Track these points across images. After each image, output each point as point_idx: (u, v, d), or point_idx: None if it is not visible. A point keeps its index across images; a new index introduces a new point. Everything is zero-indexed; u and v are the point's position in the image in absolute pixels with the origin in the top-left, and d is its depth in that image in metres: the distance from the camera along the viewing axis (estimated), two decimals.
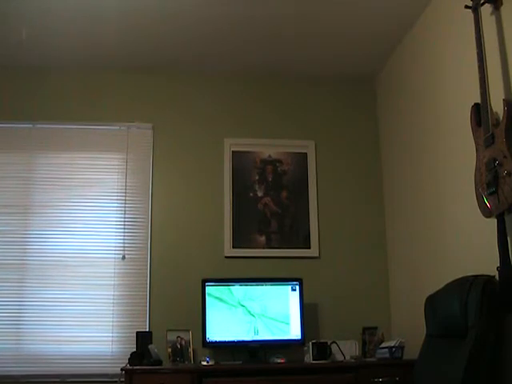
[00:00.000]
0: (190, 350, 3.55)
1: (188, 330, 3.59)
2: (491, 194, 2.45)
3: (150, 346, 3.36)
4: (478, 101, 2.61)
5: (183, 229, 3.97)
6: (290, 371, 3.29)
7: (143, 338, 3.46)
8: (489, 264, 2.49)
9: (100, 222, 3.90)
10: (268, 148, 4.17)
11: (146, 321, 3.76)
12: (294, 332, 3.63)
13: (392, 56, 4.03)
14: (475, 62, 2.63)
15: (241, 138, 4.17)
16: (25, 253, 3.80)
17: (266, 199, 4.08)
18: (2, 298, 3.70)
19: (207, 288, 3.61)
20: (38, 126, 4.02)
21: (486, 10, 2.69)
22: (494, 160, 2.43)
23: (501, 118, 2.46)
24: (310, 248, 4.02)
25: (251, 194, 4.07)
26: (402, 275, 3.81)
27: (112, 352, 3.68)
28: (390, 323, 3.93)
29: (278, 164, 4.15)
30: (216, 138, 4.14)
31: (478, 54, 2.62)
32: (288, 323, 3.64)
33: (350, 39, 3.82)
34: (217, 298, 3.62)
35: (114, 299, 3.77)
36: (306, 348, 3.56)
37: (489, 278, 2.45)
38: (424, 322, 2.88)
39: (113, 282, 3.80)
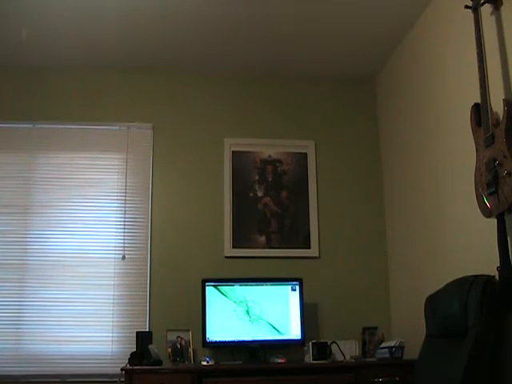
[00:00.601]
0: (190, 350, 3.55)
1: (188, 330, 3.59)
2: (491, 193, 2.45)
3: (149, 346, 3.36)
4: (478, 101, 2.61)
5: (183, 229, 3.97)
6: (289, 371, 3.29)
7: (143, 338, 3.46)
8: (489, 264, 2.49)
9: (100, 222, 3.90)
10: (268, 148, 4.17)
11: (146, 321, 3.76)
12: (294, 332, 3.63)
13: (392, 56, 4.03)
14: (475, 62, 2.63)
15: (241, 138, 4.17)
16: (25, 253, 3.80)
17: (265, 199, 4.08)
18: (2, 298, 3.70)
19: (207, 288, 3.61)
20: (38, 126, 4.02)
21: (486, 9, 2.69)
22: (494, 160, 2.43)
23: (501, 118, 2.46)
24: (310, 248, 4.02)
25: (251, 194, 4.07)
26: (402, 275, 3.81)
27: (112, 352, 3.68)
28: (390, 323, 3.93)
29: (277, 164, 4.15)
30: (216, 138, 4.14)
31: (477, 54, 2.62)
32: (288, 323, 3.64)
33: (350, 39, 3.82)
34: (217, 298, 3.61)
35: (113, 299, 3.77)
36: (305, 348, 3.56)
37: (489, 278, 2.45)
38: (424, 322, 2.88)
39: (113, 282, 3.80)
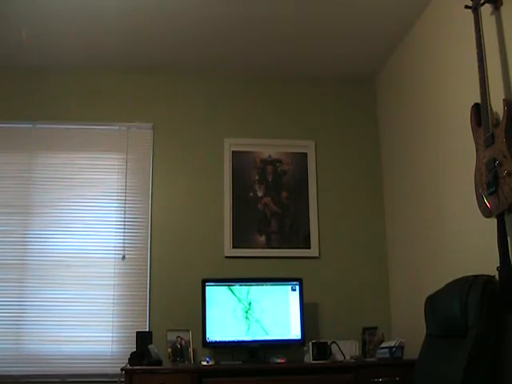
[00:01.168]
0: (190, 350, 3.55)
1: (188, 330, 3.59)
2: (491, 193, 2.45)
3: (150, 346, 3.36)
4: (478, 101, 2.61)
5: (183, 229, 3.97)
6: (290, 371, 3.29)
7: (143, 338, 3.46)
8: (489, 264, 2.49)
9: (100, 222, 3.90)
10: (268, 148, 4.17)
11: (146, 321, 3.76)
12: (294, 332, 3.63)
13: (392, 56, 4.03)
14: (475, 62, 2.63)
15: (241, 138, 4.17)
16: (25, 253, 3.80)
17: (265, 199, 4.08)
18: (2, 298, 3.71)
19: (207, 288, 3.61)
20: (38, 126, 4.02)
21: (486, 10, 2.69)
22: (494, 160, 2.43)
23: (501, 118, 2.46)
24: (310, 248, 4.02)
25: (251, 194, 4.07)
26: (402, 275, 3.81)
27: (112, 352, 3.68)
28: (390, 323, 3.93)
29: (278, 164, 4.15)
30: (216, 138, 4.14)
31: (477, 54, 2.62)
32: (288, 323, 3.64)
33: (350, 39, 3.82)
34: (217, 297, 3.61)
35: (113, 299, 3.77)
36: (305, 348, 3.56)
37: (489, 278, 2.45)
38: (424, 322, 2.88)
39: (113, 282, 3.80)
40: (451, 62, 3.15)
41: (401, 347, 3.35)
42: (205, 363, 3.34)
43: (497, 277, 2.44)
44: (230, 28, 3.67)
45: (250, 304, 3.63)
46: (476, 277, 2.51)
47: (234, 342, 3.58)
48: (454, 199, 3.06)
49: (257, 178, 4.11)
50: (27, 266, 3.78)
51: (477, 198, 2.60)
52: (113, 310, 3.75)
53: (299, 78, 4.31)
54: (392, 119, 4.06)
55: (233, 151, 4.13)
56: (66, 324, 3.69)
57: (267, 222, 4.04)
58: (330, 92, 4.35)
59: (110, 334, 3.71)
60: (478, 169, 2.60)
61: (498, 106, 2.52)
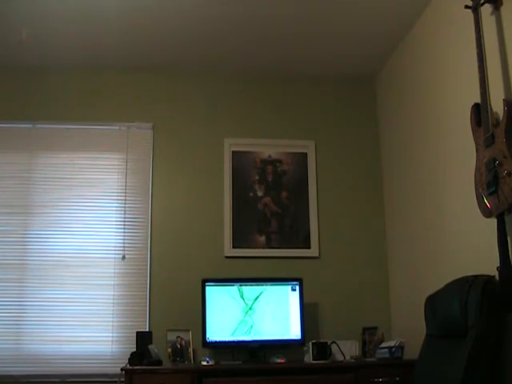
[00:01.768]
0: (190, 350, 3.55)
1: (188, 330, 3.59)
2: (491, 193, 2.45)
3: (150, 346, 3.36)
4: (478, 101, 2.61)
5: (183, 229, 3.97)
6: (290, 371, 3.29)
7: (143, 338, 3.46)
8: (489, 264, 2.49)
9: (100, 222, 3.90)
10: (268, 148, 4.17)
11: (146, 321, 3.76)
12: (294, 332, 3.63)
13: (392, 56, 4.03)
14: (475, 62, 2.63)
15: (241, 138, 4.17)
16: (25, 253, 3.80)
17: (265, 199, 4.08)
18: (2, 298, 3.71)
19: (207, 288, 3.61)
20: (38, 126, 4.02)
21: (486, 10, 2.69)
22: (494, 160, 2.43)
23: (501, 118, 2.46)
24: (310, 248, 4.02)
25: (251, 194, 4.07)
26: (402, 275, 3.81)
27: (112, 352, 3.68)
28: (390, 323, 3.92)
29: (278, 164, 4.15)
30: (216, 138, 4.14)
31: (477, 54, 2.62)
32: (288, 323, 3.64)
33: (350, 39, 3.82)
34: (217, 298, 3.61)
35: (113, 299, 3.77)
36: (305, 348, 3.56)
37: (489, 278, 2.45)
38: (424, 322, 2.88)
39: (113, 282, 3.80)
40: (451, 62, 3.15)
41: (401, 347, 3.35)
42: (205, 363, 3.34)
43: (497, 277, 2.44)
44: (230, 28, 3.67)
45: (250, 304, 3.63)
46: (476, 277, 2.51)
47: (233, 341, 3.58)
48: (454, 199, 3.06)
49: (257, 178, 4.11)
50: (27, 266, 3.78)
51: (477, 198, 2.60)
52: (113, 310, 3.75)
53: (299, 77, 4.31)
54: (392, 119, 4.06)
55: (233, 151, 4.13)
56: (65, 324, 3.69)
57: (267, 222, 4.04)
58: (329, 92, 4.35)
59: (110, 334, 3.71)
60: (477, 169, 2.60)
61: (498, 106, 2.52)
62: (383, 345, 3.52)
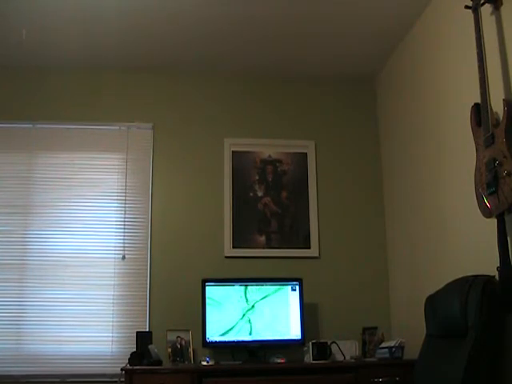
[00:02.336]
0: (190, 350, 3.55)
1: (188, 330, 3.59)
2: (491, 193, 2.45)
3: (150, 346, 3.36)
4: (478, 101, 2.61)
5: (183, 229, 3.97)
6: (290, 371, 3.29)
7: (143, 338, 3.46)
8: (489, 264, 2.49)
9: (100, 222, 3.90)
10: (268, 148, 4.17)
11: (145, 321, 3.76)
12: (294, 332, 3.63)
13: (392, 56, 4.03)
14: (475, 62, 2.63)
15: (241, 138, 4.17)
16: (25, 253, 3.80)
17: (265, 199, 4.08)
18: (2, 298, 3.71)
19: (207, 288, 3.61)
20: (38, 126, 4.02)
21: (486, 10, 2.69)
22: (494, 160, 2.43)
23: (501, 118, 2.46)
24: (310, 248, 4.02)
25: (251, 194, 4.07)
26: (402, 275, 3.81)
27: (112, 352, 3.68)
28: (390, 323, 3.92)
29: (278, 164, 4.15)
30: (216, 138, 4.14)
31: (477, 54, 2.62)
32: (288, 323, 3.64)
33: (350, 39, 3.82)
34: (217, 298, 3.61)
35: (113, 299, 3.77)
36: (305, 348, 3.56)
37: (489, 278, 2.45)
38: (424, 322, 2.88)
39: (113, 282, 3.80)
40: (451, 61, 3.15)
41: (401, 347, 3.35)
42: (205, 363, 3.34)
43: (497, 277, 2.44)
44: (230, 28, 3.67)
45: (249, 304, 3.63)
46: (476, 277, 2.51)
47: (233, 341, 3.58)
48: (454, 199, 3.06)
49: (257, 178, 4.11)
50: (27, 266, 3.77)
51: (477, 198, 2.60)
52: (113, 310, 3.75)
53: (299, 77, 4.31)
54: (392, 119, 4.06)
55: (233, 151, 4.12)
56: (66, 324, 3.69)
57: (267, 221, 4.04)
58: (330, 92, 4.35)
59: (110, 334, 3.71)
60: (478, 169, 2.60)
61: (498, 105, 2.52)
62: (383, 345, 3.52)
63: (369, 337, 3.70)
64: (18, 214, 3.86)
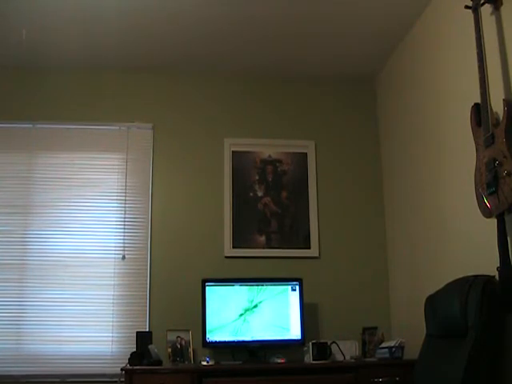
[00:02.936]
0: (190, 350, 3.55)
1: (188, 330, 3.59)
2: (491, 193, 2.45)
3: (149, 346, 3.36)
4: (478, 101, 2.61)
5: (183, 229, 3.97)
6: (290, 371, 3.29)
7: (143, 338, 3.46)
8: (489, 264, 2.49)
9: (100, 222, 3.90)
10: (268, 148, 4.17)
11: (146, 321, 3.76)
12: (294, 332, 3.63)
13: (392, 56, 4.03)
14: (475, 62, 2.63)
15: (241, 138, 4.17)
16: (25, 253, 3.80)
17: (265, 199, 4.08)
18: (2, 298, 3.71)
19: (207, 288, 3.61)
20: (38, 126, 4.02)
21: (486, 10, 2.69)
22: (494, 160, 2.43)
23: (501, 118, 2.46)
24: (310, 248, 4.02)
25: (251, 194, 4.07)
26: (402, 275, 3.81)
27: (112, 352, 3.68)
28: (390, 323, 3.92)
29: (278, 164, 4.15)
30: (216, 138, 4.15)
31: (477, 54, 2.62)
32: (288, 323, 3.64)
33: (350, 39, 3.82)
34: (217, 297, 3.61)
35: (113, 299, 3.77)
36: (305, 348, 3.56)
37: (489, 278, 2.45)
38: (424, 322, 2.88)
39: (113, 282, 3.80)
40: (451, 61, 3.15)
41: (401, 347, 3.35)
42: (205, 363, 3.34)
43: (497, 277, 2.44)
44: (230, 28, 3.67)
45: (249, 304, 3.63)
46: (476, 277, 2.51)
47: (233, 342, 3.58)
48: (454, 199, 3.06)
49: (257, 177, 4.11)
50: (27, 266, 3.77)
51: (477, 198, 2.60)
52: (113, 310, 3.75)
53: (299, 77, 4.31)
54: (392, 119, 4.06)
55: (233, 151, 4.13)
56: (66, 324, 3.69)
57: (267, 221, 4.04)
58: (330, 92, 4.35)
59: (110, 334, 3.71)
60: (478, 169, 2.60)
61: (498, 105, 2.52)
62: (383, 345, 3.52)
63: (369, 337, 3.70)
64: (17, 213, 3.86)
